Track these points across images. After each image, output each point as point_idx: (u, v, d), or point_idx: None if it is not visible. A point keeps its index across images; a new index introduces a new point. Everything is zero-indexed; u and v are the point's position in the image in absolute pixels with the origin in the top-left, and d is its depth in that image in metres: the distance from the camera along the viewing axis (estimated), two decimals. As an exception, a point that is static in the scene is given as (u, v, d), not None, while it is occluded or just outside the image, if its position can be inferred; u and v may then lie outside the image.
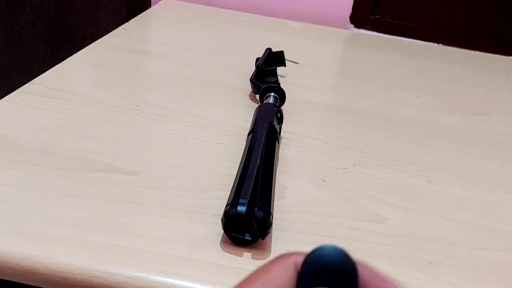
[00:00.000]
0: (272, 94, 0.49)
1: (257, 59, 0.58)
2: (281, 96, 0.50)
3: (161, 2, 0.92)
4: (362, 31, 0.92)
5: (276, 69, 0.56)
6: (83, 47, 0.64)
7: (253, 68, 0.62)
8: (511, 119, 0.59)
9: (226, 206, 0.31)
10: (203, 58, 0.65)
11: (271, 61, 0.59)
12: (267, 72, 0.54)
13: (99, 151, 0.40)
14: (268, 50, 0.60)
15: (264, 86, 0.50)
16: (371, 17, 0.91)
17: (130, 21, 0.76)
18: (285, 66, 0.60)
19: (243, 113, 0.51)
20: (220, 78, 0.59)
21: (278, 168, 0.41)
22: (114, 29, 0.73)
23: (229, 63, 0.65)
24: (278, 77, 0.54)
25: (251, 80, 0.54)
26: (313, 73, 0.65)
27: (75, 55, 0.59)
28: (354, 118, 0.53)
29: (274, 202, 0.36)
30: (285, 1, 0.92)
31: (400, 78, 0.69)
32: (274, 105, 0.47)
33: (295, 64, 0.68)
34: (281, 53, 0.60)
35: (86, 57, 0.59)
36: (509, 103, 0.65)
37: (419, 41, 0.90)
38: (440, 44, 0.90)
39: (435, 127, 0.54)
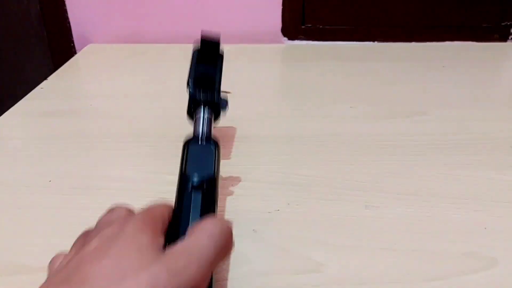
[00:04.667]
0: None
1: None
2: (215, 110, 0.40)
3: (86, 48, 0.88)
4: (296, 42, 0.90)
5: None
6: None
7: (184, 109, 0.59)
8: (449, 114, 0.57)
9: None
10: (128, 107, 0.61)
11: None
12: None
13: (7, 248, 0.36)
14: (195, 48, 0.45)
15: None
16: (303, 27, 0.89)
17: (49, 78, 0.72)
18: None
19: (175, 165, 0.47)
20: (146, 128, 0.56)
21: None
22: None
23: (158, 106, 0.61)
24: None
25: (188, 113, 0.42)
26: (246, 101, 0.62)
27: (-17, 132, 0.54)
28: (288, 146, 0.51)
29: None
30: (214, 25, 0.90)
31: (335, 89, 0.67)
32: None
33: (227, 93, 0.65)
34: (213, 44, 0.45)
35: (-3, 131, 0.55)
36: (446, 95, 0.64)
37: (354, 43, 0.89)
38: (376, 42, 0.89)
39: (372, 139, 0.52)
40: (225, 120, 0.56)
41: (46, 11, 0.90)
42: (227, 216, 0.39)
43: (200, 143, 0.35)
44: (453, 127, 0.54)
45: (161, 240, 0.23)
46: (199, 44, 0.45)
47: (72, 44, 0.92)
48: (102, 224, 0.26)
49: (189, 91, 0.41)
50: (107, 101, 0.63)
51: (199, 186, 0.29)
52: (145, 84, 0.69)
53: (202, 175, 0.30)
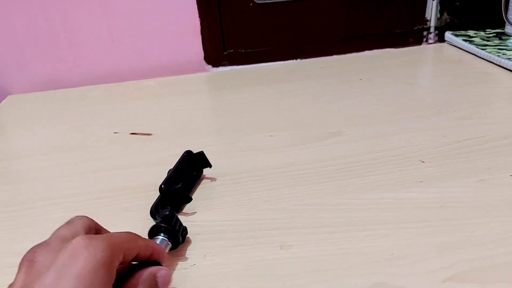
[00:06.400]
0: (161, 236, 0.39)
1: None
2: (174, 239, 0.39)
3: (4, 101, 0.84)
4: (221, 68, 0.90)
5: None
6: None
7: (101, 168, 0.57)
8: (363, 132, 0.59)
9: None
10: (41, 167, 0.59)
11: (188, 167, 0.50)
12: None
13: None
14: (182, 157, 0.50)
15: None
16: (225, 53, 0.90)
17: (-38, 142, 0.68)
18: (210, 167, 0.51)
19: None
20: (62, 188, 0.54)
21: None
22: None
23: (75, 161, 0.60)
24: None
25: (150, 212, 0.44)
26: (165, 144, 0.62)
27: None
28: (207, 189, 0.50)
29: None
30: (135, 61, 0.89)
31: (256, 117, 0.67)
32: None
33: (148, 136, 0.64)
34: (200, 155, 0.51)
35: None
36: (360, 111, 0.66)
37: (278, 63, 0.91)
38: (299, 59, 0.91)
39: (291, 169, 0.52)
40: (142, 169, 0.55)
41: (-44, 66, 0.86)
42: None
43: None
44: (365, 146, 0.55)
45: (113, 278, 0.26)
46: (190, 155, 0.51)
47: (-10, 98, 0.88)
48: (55, 240, 0.28)
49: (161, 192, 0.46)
50: (18, 164, 0.60)
51: None
52: (65, 135, 0.67)
53: None
